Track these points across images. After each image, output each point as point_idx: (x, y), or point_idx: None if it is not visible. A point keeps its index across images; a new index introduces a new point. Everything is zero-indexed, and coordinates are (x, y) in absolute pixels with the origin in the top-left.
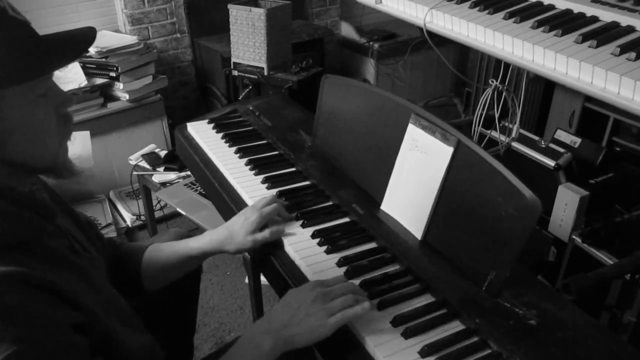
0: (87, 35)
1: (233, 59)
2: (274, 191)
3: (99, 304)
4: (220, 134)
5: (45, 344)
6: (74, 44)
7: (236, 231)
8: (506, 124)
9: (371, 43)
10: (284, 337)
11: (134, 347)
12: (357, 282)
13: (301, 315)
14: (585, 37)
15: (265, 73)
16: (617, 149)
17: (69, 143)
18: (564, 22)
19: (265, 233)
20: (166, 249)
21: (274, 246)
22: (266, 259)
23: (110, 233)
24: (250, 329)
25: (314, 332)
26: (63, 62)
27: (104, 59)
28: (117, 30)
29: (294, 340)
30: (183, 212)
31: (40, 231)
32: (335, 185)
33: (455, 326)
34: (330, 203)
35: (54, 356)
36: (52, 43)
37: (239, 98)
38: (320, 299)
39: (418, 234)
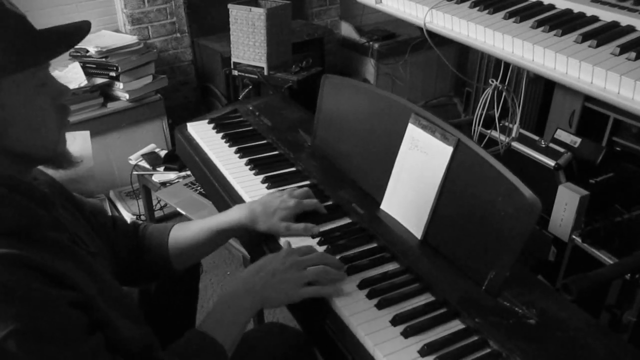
0: (82, 27)
1: (233, 59)
2: (273, 191)
3: (97, 291)
4: (220, 134)
5: (43, 320)
6: (69, 34)
7: (271, 212)
8: (506, 123)
9: (371, 43)
10: (260, 297)
11: (131, 337)
12: (356, 281)
13: (276, 280)
14: (585, 37)
15: (265, 73)
16: (617, 148)
17: (68, 143)
18: (564, 22)
19: (300, 226)
20: (193, 225)
21: (274, 246)
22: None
23: None
24: (229, 291)
25: (286, 297)
26: (58, 51)
27: (104, 59)
28: (117, 30)
29: (269, 302)
30: (183, 212)
31: (38, 220)
32: (335, 185)
33: (455, 325)
34: (330, 203)
35: (52, 332)
36: (47, 34)
37: (239, 98)
38: (295, 266)
39: (418, 233)
